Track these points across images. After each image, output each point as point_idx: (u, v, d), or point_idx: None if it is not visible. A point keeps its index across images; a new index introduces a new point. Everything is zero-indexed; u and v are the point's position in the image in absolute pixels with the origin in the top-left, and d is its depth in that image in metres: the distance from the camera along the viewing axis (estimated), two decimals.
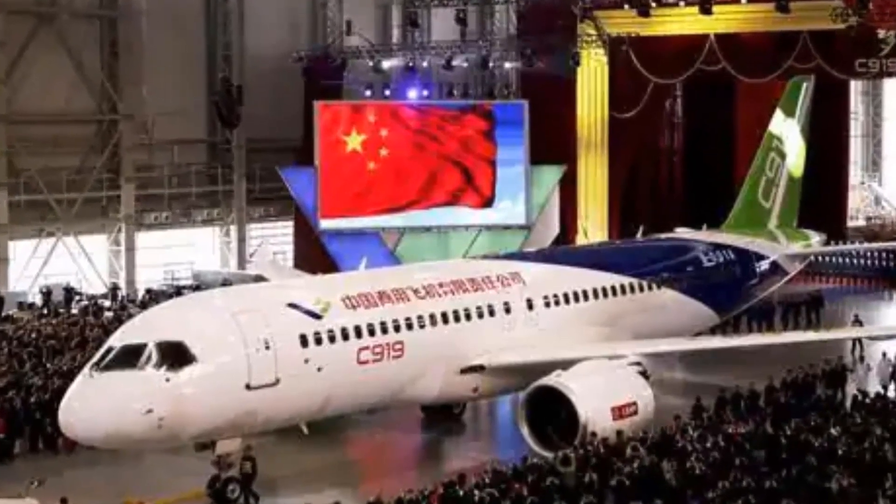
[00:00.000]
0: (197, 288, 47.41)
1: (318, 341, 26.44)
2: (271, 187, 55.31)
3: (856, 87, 73.47)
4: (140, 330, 25.27)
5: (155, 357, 24.16)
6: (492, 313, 30.67)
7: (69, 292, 47.90)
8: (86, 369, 24.63)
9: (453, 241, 51.87)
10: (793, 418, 27.43)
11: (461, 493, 23.18)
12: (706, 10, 51.84)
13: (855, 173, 76.84)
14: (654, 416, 28.51)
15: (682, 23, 54.21)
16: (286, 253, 55.87)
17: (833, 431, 26.08)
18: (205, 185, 55.92)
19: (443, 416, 33.03)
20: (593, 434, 26.69)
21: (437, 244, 51.53)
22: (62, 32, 50.00)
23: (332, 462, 29.62)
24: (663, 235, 41.94)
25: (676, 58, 54.74)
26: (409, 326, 28.50)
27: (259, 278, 40.37)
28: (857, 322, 41.19)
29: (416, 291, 29.29)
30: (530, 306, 31.68)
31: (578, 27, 55.39)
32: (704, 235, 41.04)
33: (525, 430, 28.10)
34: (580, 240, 55.23)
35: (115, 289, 49.85)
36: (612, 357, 29.90)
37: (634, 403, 28.26)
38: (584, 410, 27.22)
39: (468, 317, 30.06)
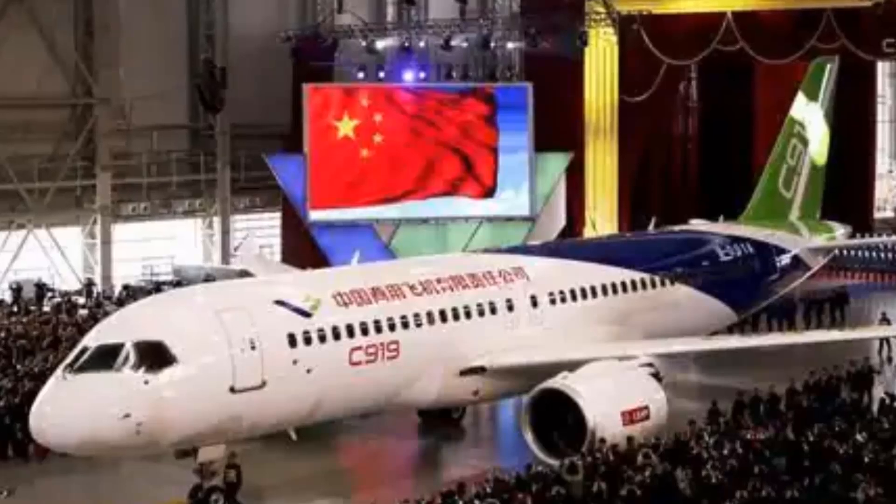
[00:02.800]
0: (178, 284, 47.46)
1: (308, 341, 26.43)
2: (257, 176, 55.30)
3: (883, 68, 73.44)
4: (117, 329, 25.24)
5: (133, 358, 24.13)
6: (493, 311, 30.67)
7: (41, 288, 47.97)
8: (58, 371, 24.63)
9: (452, 233, 51.90)
10: (816, 423, 27.40)
11: (460, 503, 23.21)
12: None
13: (882, 161, 76.81)
14: (667, 421, 28.51)
15: (697, 0, 54.21)
16: (273, 246, 55.89)
17: (859, 437, 26.07)
18: (186, 173, 55.91)
19: (441, 421, 33.07)
20: (602, 440, 26.72)
21: (435, 237, 51.58)
22: (34, 11, 49.92)
23: (323, 470, 29.65)
24: (677, 228, 41.96)
25: (691, 37, 54.76)
26: (405, 325, 28.51)
27: (244, 273, 40.32)
28: (885, 320, 41.34)
29: (412, 288, 29.28)
30: (534, 303, 31.68)
31: (586, 5, 55.39)
32: (721, 228, 41.10)
33: (529, 436, 28.11)
34: (588, 232, 55.28)
35: (89, 285, 49.86)
36: (622, 358, 29.90)
37: (646, 407, 28.27)
38: (592, 415, 27.23)
39: (468, 315, 30.05)
